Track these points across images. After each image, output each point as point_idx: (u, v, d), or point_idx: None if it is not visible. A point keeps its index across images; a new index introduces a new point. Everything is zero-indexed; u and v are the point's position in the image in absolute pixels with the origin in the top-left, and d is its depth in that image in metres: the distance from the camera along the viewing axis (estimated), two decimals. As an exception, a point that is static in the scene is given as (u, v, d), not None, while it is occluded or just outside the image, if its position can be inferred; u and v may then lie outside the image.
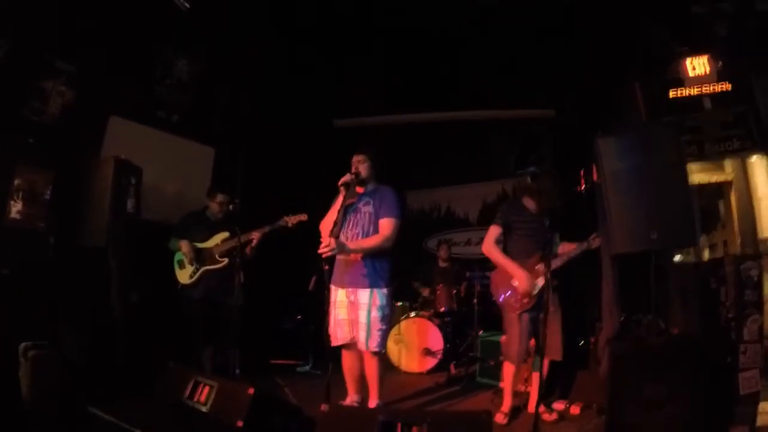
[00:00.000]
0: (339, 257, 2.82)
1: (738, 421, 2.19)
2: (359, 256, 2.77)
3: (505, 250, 2.98)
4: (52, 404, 2.56)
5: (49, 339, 2.72)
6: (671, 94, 3.74)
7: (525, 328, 2.86)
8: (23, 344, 2.59)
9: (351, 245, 2.75)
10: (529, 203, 3.00)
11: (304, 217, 3.35)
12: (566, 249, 2.92)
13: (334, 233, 2.67)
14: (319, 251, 2.59)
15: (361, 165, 2.88)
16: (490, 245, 2.96)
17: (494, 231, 2.98)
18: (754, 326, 2.24)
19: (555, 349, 2.86)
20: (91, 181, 3.20)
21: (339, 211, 2.73)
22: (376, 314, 2.74)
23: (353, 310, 2.79)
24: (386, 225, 2.79)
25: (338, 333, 2.83)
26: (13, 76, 3.19)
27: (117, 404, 2.61)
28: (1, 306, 2.87)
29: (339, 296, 2.84)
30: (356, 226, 2.84)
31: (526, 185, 3.01)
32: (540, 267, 2.84)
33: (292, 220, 3.39)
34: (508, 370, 2.97)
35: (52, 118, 3.43)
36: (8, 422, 2.43)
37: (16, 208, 3.21)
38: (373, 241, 2.77)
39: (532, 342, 3.00)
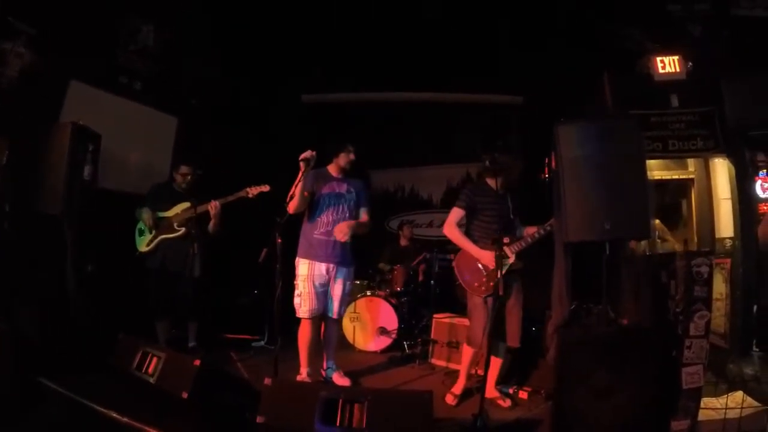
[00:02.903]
0: (320, 237, 3.04)
1: (680, 414, 2.23)
2: (347, 237, 3.06)
3: (468, 233, 2.97)
4: (3, 377, 2.52)
5: (0, 311, 2.69)
6: (639, 88, 3.78)
7: (490, 312, 2.84)
8: (-25, 316, 2.54)
9: (353, 223, 3.09)
10: (493, 182, 2.95)
11: (266, 188, 3.32)
12: (529, 232, 2.92)
13: (298, 209, 2.94)
14: (340, 239, 2.99)
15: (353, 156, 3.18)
16: (452, 227, 2.93)
17: (457, 213, 2.95)
18: (700, 322, 2.26)
19: (515, 336, 2.87)
20: (48, 147, 3.09)
21: (296, 185, 2.82)
22: (349, 287, 3.20)
23: (330, 284, 3.08)
24: (366, 214, 3.21)
25: (316, 305, 3.03)
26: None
27: (69, 376, 2.61)
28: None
29: (318, 270, 3.03)
30: (343, 211, 3.10)
31: (487, 165, 3.00)
32: (505, 249, 2.83)
33: (253, 190, 3.34)
34: (468, 353, 2.99)
35: (9, 82, 3.32)
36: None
37: (-32, 174, 3.11)
38: (366, 225, 3.19)
39: None
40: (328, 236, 3.03)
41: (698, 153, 3.76)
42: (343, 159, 3.15)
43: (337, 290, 3.09)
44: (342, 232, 2.99)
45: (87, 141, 3.11)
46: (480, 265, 2.88)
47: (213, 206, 3.41)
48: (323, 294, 3.06)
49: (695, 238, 4.01)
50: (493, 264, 2.79)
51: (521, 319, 2.88)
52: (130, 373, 2.52)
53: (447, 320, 3.86)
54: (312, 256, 3.04)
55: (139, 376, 2.48)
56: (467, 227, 3.00)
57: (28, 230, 3.20)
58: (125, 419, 2.31)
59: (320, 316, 3.10)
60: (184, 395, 2.22)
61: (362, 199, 3.21)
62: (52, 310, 3.02)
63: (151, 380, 2.42)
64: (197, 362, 2.29)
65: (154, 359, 2.47)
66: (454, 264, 3.03)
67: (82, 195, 3.07)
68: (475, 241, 2.91)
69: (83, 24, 3.62)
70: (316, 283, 3.02)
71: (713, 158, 3.90)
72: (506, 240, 2.86)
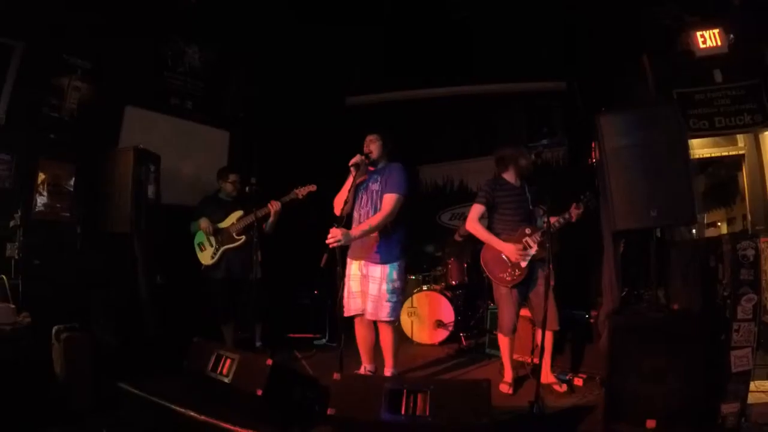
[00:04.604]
0: None
1: (730, 398, 2.24)
2: (335, 243, 2.75)
3: (490, 227, 3.08)
4: (84, 382, 2.77)
5: (80, 321, 2.92)
6: (681, 66, 3.66)
7: (515, 301, 2.98)
8: (56, 327, 2.81)
9: (354, 232, 2.80)
10: (510, 176, 3.10)
11: (313, 187, 3.49)
12: (551, 221, 2.96)
13: (345, 211, 2.89)
14: (327, 242, 2.66)
15: (372, 144, 2.99)
16: (473, 223, 3.05)
17: (478, 209, 3.06)
18: (748, 305, 2.24)
19: (552, 321, 2.90)
20: (113, 170, 3.36)
21: (350, 190, 2.89)
22: (385, 288, 2.87)
23: (365, 283, 2.94)
24: (387, 201, 2.85)
25: (351, 304, 2.98)
26: (32, 76, 3.34)
27: (146, 379, 2.83)
28: (35, 293, 3.07)
29: (353, 269, 2.99)
30: (367, 203, 2.95)
31: (501, 158, 3.11)
32: (527, 240, 2.95)
33: (301, 191, 3.52)
34: (503, 341, 3.09)
35: (70, 113, 3.60)
36: (43, 399, 2.61)
37: (41, 200, 3.39)
38: (373, 221, 2.82)
39: (528, 312, 3.13)
40: None
41: (746, 129, 3.62)
42: (366, 144, 2.99)
43: (368, 290, 2.91)
44: (330, 236, 2.65)
45: (149, 162, 3.35)
46: (504, 257, 2.99)
47: (273, 205, 3.56)
48: (360, 294, 2.95)
49: (749, 216, 3.88)
50: (514, 255, 2.91)
51: (555, 304, 2.91)
52: (205, 375, 2.65)
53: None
54: (350, 255, 3.02)
55: (215, 377, 2.62)
56: (489, 222, 3.10)
57: (100, 248, 3.48)
58: (203, 417, 2.48)
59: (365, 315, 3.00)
60: (259, 392, 2.37)
61: (389, 182, 2.87)
62: (126, 319, 3.27)
63: (226, 380, 2.56)
64: (269, 362, 2.45)
65: (228, 361, 2.60)
66: (480, 257, 3.13)
67: (148, 212, 3.32)
68: (497, 234, 3.01)
69: (133, 52, 3.88)
70: (353, 283, 2.98)
71: (763, 132, 3.75)
72: (528, 231, 2.97)
